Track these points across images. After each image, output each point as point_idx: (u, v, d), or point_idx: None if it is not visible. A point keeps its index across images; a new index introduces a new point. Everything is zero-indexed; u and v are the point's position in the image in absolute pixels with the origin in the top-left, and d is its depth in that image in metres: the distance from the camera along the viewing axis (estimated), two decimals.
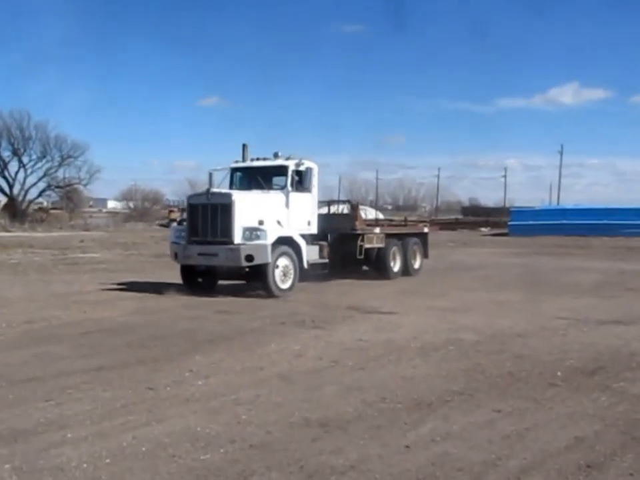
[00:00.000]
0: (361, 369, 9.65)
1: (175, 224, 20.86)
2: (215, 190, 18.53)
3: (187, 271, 19.01)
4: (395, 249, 22.96)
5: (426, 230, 25.73)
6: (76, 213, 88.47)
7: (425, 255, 24.94)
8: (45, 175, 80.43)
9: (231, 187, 20.17)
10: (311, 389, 8.55)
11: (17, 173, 78.66)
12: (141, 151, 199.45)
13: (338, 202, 24.29)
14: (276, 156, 20.06)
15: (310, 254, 19.33)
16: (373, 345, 11.32)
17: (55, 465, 6.04)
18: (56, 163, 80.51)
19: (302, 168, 19.57)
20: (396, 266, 22.99)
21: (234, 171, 20.66)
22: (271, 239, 17.66)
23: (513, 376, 9.30)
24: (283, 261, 18.03)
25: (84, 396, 8.15)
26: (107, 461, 6.14)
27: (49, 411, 7.52)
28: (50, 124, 79.54)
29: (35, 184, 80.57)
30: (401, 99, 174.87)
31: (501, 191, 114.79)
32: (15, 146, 77.77)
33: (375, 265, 22.56)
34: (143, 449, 6.41)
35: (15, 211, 73.23)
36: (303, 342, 11.47)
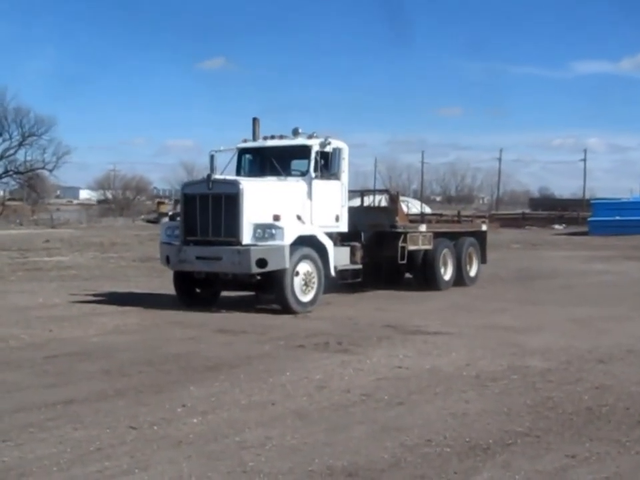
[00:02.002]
0: (399, 403, 9.67)
1: (166, 219, 20.32)
2: (217, 177, 18.37)
3: (182, 279, 18.72)
4: (445, 252, 22.75)
5: (484, 228, 25.56)
6: (40, 205, 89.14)
7: (483, 260, 24.90)
8: (1, 158, 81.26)
9: (238, 173, 20.07)
10: (336, 429, 8.58)
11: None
12: (121, 128, 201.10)
13: (374, 192, 24.12)
14: (295, 133, 19.65)
15: (338, 258, 19.08)
16: (415, 373, 11.34)
17: None
18: (15, 143, 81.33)
19: (328, 149, 19.21)
20: (447, 273, 22.84)
21: (242, 152, 20.49)
22: (288, 238, 17.40)
23: (591, 412, 9.29)
24: (304, 267, 17.81)
25: (49, 436, 8.23)
26: None
27: (5, 454, 7.59)
28: (8, 94, 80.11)
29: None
30: (454, 63, 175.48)
31: (579, 179, 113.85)
32: None
33: (421, 272, 22.44)
34: None
35: None
36: (326, 370, 11.51)
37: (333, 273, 18.61)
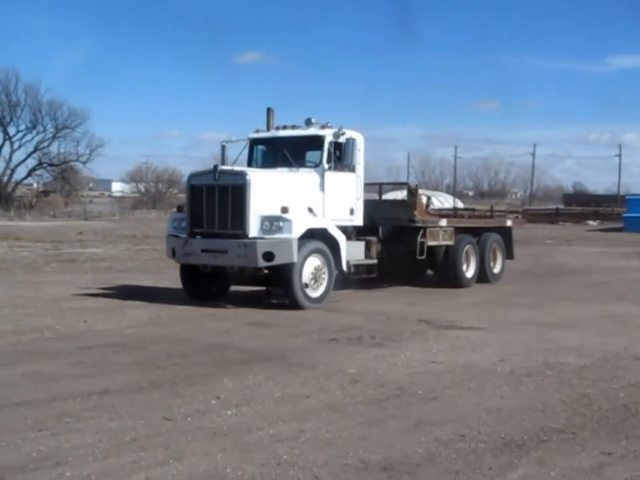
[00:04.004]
0: (433, 398, 9.67)
1: (174, 211, 20.57)
2: (224, 167, 18.03)
3: (189, 273, 18.40)
4: (468, 248, 22.36)
5: (509, 223, 25.22)
6: (73, 197, 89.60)
7: (509, 256, 24.50)
8: (35, 150, 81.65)
9: (249, 164, 19.82)
10: (370, 423, 8.59)
11: (1, 147, 79.73)
12: (155, 121, 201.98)
13: (392, 184, 23.79)
14: (308, 123, 19.24)
15: (352, 252, 18.70)
16: (449, 368, 11.34)
17: None
18: (49, 135, 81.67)
19: (342, 139, 18.69)
20: (469, 270, 22.47)
21: (254, 143, 20.14)
22: (297, 231, 16.96)
23: (627, 410, 9.25)
24: (313, 261, 17.43)
25: (85, 426, 8.30)
26: None
27: (42, 443, 7.66)
28: (42, 86, 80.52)
29: (23, 161, 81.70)
30: (489, 57, 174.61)
31: (614, 175, 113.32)
32: (0, 114, 78.83)
33: (442, 269, 22.08)
34: None
35: None
36: (360, 364, 11.52)
37: (345, 267, 18.23)
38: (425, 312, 16.74)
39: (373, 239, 19.90)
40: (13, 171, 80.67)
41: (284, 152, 19.10)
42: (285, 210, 16.90)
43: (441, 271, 22.14)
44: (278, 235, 16.82)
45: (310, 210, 17.93)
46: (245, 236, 16.93)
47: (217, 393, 9.67)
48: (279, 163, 19.10)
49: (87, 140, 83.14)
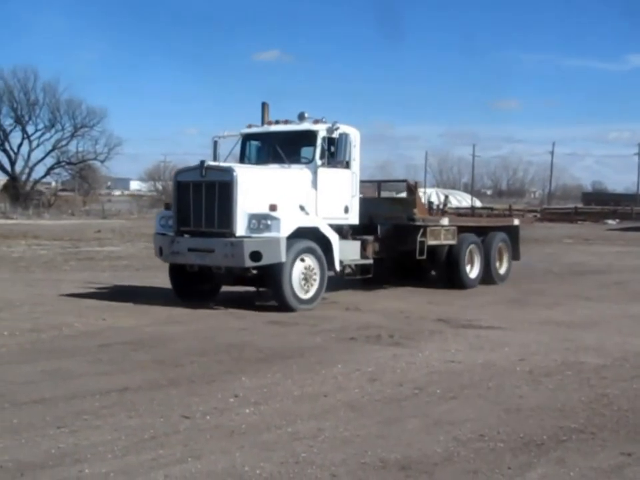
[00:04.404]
0: (452, 397, 9.67)
1: (162, 209, 19.74)
2: (211, 163, 17.45)
3: (178, 273, 17.89)
4: (472, 248, 21.80)
5: (516, 222, 24.67)
6: (91, 195, 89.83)
7: (515, 256, 23.96)
8: (53, 149, 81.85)
9: (242, 160, 19.33)
10: (388, 422, 8.59)
11: (20, 145, 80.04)
12: (173, 119, 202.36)
13: (392, 182, 23.50)
14: (301, 118, 18.56)
15: (346, 252, 18.18)
16: (467, 367, 11.33)
17: None
18: (67, 134, 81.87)
19: (336, 135, 18.00)
20: (473, 270, 21.92)
21: (246, 138, 19.54)
22: (286, 230, 16.37)
23: None
24: (304, 261, 16.91)
25: (104, 423, 8.33)
26: None
27: (61, 440, 7.70)
28: (60, 85, 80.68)
29: (41, 160, 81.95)
30: (509, 55, 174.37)
31: (633, 173, 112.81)
32: (18, 112, 79.29)
33: (444, 269, 21.64)
34: None
35: (17, 193, 74.67)
36: (378, 363, 11.53)
37: (338, 267, 17.75)
38: (443, 311, 16.73)
39: (370, 238, 19.35)
40: (31, 169, 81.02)
41: (276, 148, 18.58)
42: (273, 208, 16.38)
43: (443, 271, 21.72)
44: (266, 234, 16.28)
45: (301, 208, 17.47)
46: (232, 235, 16.41)
47: (235, 391, 9.69)
48: (272, 159, 18.58)
49: (105, 138, 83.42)
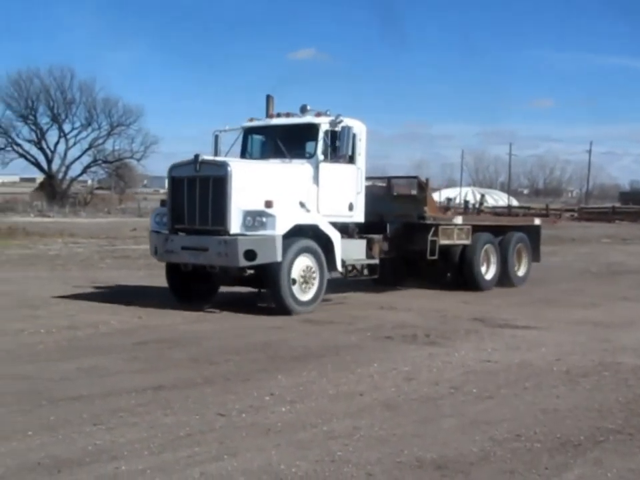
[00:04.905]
0: (488, 397, 9.64)
1: (158, 205, 18.95)
2: (205, 157, 16.64)
3: (174, 272, 17.14)
4: (487, 248, 21.08)
5: (537, 222, 23.93)
6: (127, 194, 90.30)
7: (535, 258, 23.15)
8: (90, 147, 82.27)
9: (243, 155, 18.65)
10: (424, 421, 8.57)
11: (56, 144, 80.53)
12: (209, 117, 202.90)
13: (402, 178, 22.29)
14: (303, 110, 17.82)
15: (350, 251, 17.48)
16: (504, 367, 11.29)
17: None
18: (104, 132, 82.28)
19: (339, 128, 17.14)
20: (489, 272, 21.20)
21: (248, 132, 18.82)
22: (282, 227, 15.61)
23: None
24: (303, 261, 16.15)
25: (140, 420, 8.38)
26: None
27: (97, 437, 7.75)
28: (97, 84, 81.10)
29: (78, 158, 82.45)
30: (546, 54, 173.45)
31: None
32: (55, 111, 79.88)
33: (457, 269, 20.88)
34: None
35: (54, 192, 75.15)
36: (414, 362, 11.52)
37: (339, 268, 17.02)
38: (479, 310, 16.68)
39: (376, 236, 18.72)
40: (67, 167, 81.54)
41: (278, 142, 17.83)
42: (269, 204, 15.60)
43: (456, 272, 20.95)
44: (261, 232, 15.50)
45: (302, 205, 16.66)
46: (226, 232, 15.65)
47: (271, 390, 9.71)
48: (273, 153, 17.86)
49: (141, 137, 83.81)
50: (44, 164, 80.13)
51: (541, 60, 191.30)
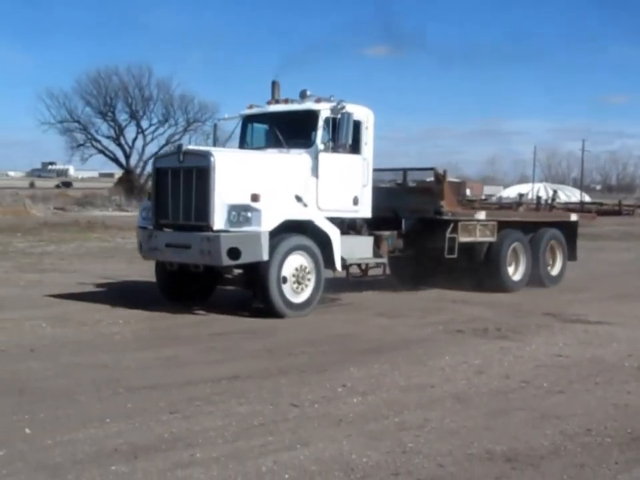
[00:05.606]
0: (559, 392, 9.56)
1: (145, 199, 16.93)
2: (189, 147, 15.71)
3: (164, 271, 15.77)
4: (516, 246, 19.39)
5: (574, 218, 22.01)
6: None
7: (571, 256, 21.41)
8: (167, 143, 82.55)
9: (242, 145, 17.22)
10: (495, 414, 8.54)
11: (134, 140, 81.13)
12: None
13: (418, 170, 20.25)
14: (303, 96, 16.38)
15: (354, 249, 15.99)
16: (575, 362, 11.18)
17: None
18: (180, 128, 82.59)
19: (343, 116, 15.45)
20: (518, 272, 19.55)
21: (247, 120, 17.35)
22: (269, 223, 14.16)
23: None
24: (295, 260, 14.66)
25: (215, 409, 8.47)
26: None
27: (173, 425, 7.86)
28: (174, 81, 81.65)
29: (155, 153, 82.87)
30: (619, 50, 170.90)
31: None
32: (133, 108, 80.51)
33: (481, 269, 18.96)
34: (286, 476, 6.62)
35: (132, 187, 75.70)
36: (485, 355, 11.48)
37: (339, 267, 15.49)
38: (551, 305, 16.52)
39: (386, 233, 17.04)
40: (145, 163, 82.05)
41: (276, 130, 16.44)
42: (255, 198, 14.15)
43: (480, 272, 18.94)
44: (245, 228, 14.07)
45: (298, 198, 15.15)
46: (210, 229, 14.28)
47: (343, 381, 9.74)
48: (273, 143, 16.43)
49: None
50: (122, 159, 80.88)
51: (615, 55, 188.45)
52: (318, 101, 15.96)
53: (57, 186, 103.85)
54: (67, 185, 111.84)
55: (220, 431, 7.70)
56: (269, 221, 14.08)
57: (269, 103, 16.94)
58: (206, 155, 14.60)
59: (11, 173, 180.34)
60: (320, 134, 15.59)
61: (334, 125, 15.54)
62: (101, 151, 79.66)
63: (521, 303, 16.78)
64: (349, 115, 15.40)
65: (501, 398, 9.21)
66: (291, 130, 16.22)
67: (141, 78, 79.75)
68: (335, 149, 15.64)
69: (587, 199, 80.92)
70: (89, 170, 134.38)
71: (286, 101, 16.69)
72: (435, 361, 11.03)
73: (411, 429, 7.88)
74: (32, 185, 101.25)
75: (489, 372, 10.47)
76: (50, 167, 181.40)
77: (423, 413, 8.47)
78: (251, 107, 17.18)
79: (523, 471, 6.83)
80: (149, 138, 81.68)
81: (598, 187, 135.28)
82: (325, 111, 15.64)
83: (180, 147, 15.24)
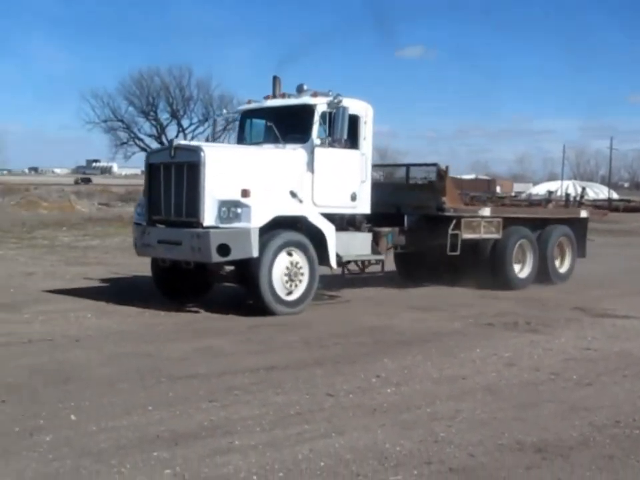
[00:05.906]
0: (588, 384, 9.50)
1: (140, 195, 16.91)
2: (180, 142, 15.43)
3: (158, 267, 15.39)
4: (522, 243, 18.77)
5: (584, 214, 21.31)
6: None
7: (581, 253, 20.77)
8: (206, 142, 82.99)
9: (240, 141, 16.84)
10: (525, 406, 8.50)
11: (176, 138, 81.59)
12: None
13: (421, 165, 19.40)
14: (299, 90, 15.94)
15: (351, 246, 15.50)
16: (603, 355, 11.11)
17: (221, 474, 6.33)
18: (219, 128, 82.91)
19: (339, 110, 14.91)
20: (524, 269, 18.94)
21: (245, 115, 16.99)
22: (259, 219, 13.67)
23: None
24: (288, 256, 14.18)
25: (252, 399, 8.48)
26: (280, 474, 6.37)
27: (213, 414, 7.88)
28: (213, 81, 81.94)
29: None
30: None
31: None
32: (174, 107, 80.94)
33: (486, 267, 18.33)
34: (322, 463, 6.61)
35: None
36: (515, 348, 11.42)
37: (334, 264, 14.94)
38: (580, 299, 16.40)
39: (385, 230, 16.47)
40: None
41: (272, 125, 15.85)
42: (245, 193, 13.70)
43: (484, 270, 18.26)
44: (235, 224, 13.60)
45: (293, 194, 14.66)
46: (200, 225, 13.82)
47: (377, 372, 9.73)
48: (270, 138, 15.88)
49: None
50: None
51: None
52: (314, 95, 15.47)
53: (76, 182, 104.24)
54: (86, 181, 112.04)
55: (257, 419, 7.70)
56: (259, 217, 13.64)
57: (266, 97, 16.49)
58: (196, 150, 14.23)
59: (57, 170, 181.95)
60: (316, 128, 15.14)
61: (330, 120, 15.07)
62: (143, 149, 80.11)
63: (549, 298, 16.66)
64: (345, 109, 14.89)
65: (531, 390, 9.15)
66: (288, 125, 15.74)
67: (182, 78, 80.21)
68: (331, 144, 15.15)
69: (615, 196, 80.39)
70: (132, 167, 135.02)
71: (283, 96, 16.26)
72: (466, 353, 11.00)
73: (442, 419, 7.86)
74: (77, 182, 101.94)
75: (519, 364, 10.41)
76: (94, 164, 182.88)
77: (455, 403, 8.44)
78: (249, 102, 16.95)
79: (553, 461, 6.77)
80: (189, 137, 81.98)
81: (626, 184, 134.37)
82: (321, 105, 15.17)
83: (171, 141, 14.88)
